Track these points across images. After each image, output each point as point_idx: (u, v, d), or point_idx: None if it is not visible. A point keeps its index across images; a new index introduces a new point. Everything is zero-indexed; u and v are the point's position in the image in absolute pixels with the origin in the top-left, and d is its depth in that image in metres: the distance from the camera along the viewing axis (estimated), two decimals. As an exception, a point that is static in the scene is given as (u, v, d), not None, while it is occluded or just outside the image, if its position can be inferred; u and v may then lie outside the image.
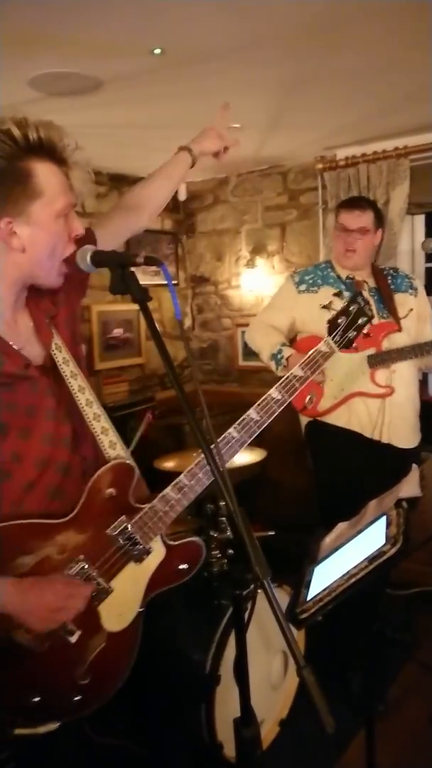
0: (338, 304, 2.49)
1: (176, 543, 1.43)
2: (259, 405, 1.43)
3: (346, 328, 1.50)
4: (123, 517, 1.35)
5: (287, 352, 2.65)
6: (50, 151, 1.26)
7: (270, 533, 2.69)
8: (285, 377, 1.48)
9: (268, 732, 2.39)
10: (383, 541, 1.35)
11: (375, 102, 2.90)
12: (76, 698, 1.33)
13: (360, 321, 1.50)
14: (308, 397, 2.63)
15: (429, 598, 3.43)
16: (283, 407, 1.43)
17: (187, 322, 4.67)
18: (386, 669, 2.80)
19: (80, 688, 1.32)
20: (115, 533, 1.34)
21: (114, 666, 1.39)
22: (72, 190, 1.31)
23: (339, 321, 1.50)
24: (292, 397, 1.45)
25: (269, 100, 2.82)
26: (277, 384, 1.47)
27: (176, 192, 4.72)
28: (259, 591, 1.11)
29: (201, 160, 4.17)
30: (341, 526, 1.82)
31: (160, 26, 2.04)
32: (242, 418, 1.42)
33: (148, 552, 1.38)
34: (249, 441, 1.42)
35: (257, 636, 2.22)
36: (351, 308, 1.51)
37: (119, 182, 4.17)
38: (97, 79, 2.45)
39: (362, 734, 2.23)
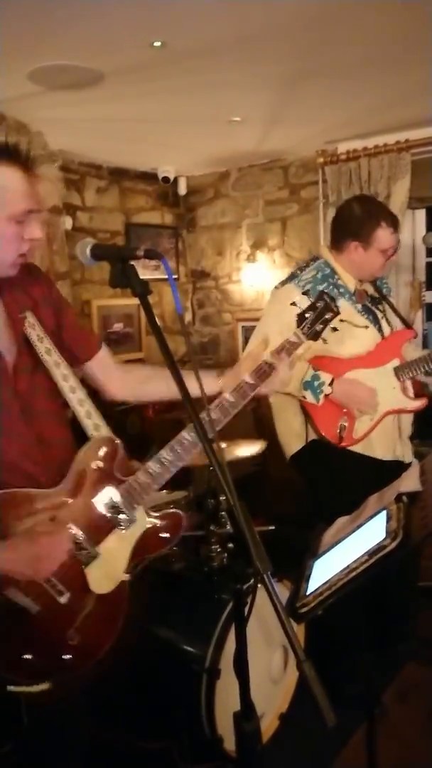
0: (357, 320, 2.40)
1: (158, 513, 1.54)
2: (234, 389, 1.53)
3: (313, 321, 1.60)
4: (109, 488, 1.47)
5: (325, 377, 2.34)
6: (16, 156, 1.28)
7: (270, 527, 2.68)
8: (258, 366, 1.55)
9: (269, 726, 2.39)
10: (383, 536, 1.35)
11: (376, 96, 2.89)
12: (65, 656, 1.42)
13: (327, 315, 1.61)
14: (339, 425, 2.39)
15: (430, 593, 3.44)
16: (254, 390, 1.53)
17: (188, 317, 4.66)
18: (385, 671, 2.79)
19: (70, 648, 1.42)
20: (102, 502, 1.46)
21: (101, 628, 1.47)
22: (36, 195, 1.32)
23: (306, 315, 1.60)
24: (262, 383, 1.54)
25: (270, 94, 2.81)
26: (251, 372, 1.54)
27: (176, 185, 4.72)
28: (259, 585, 1.12)
29: (200, 154, 4.19)
30: (341, 521, 1.82)
31: (161, 19, 2.03)
32: (217, 400, 1.53)
33: (132, 521, 1.48)
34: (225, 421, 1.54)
35: (257, 630, 2.22)
36: (318, 304, 1.61)
37: (119, 176, 4.16)
38: (98, 71, 2.44)
39: (363, 728, 2.24)
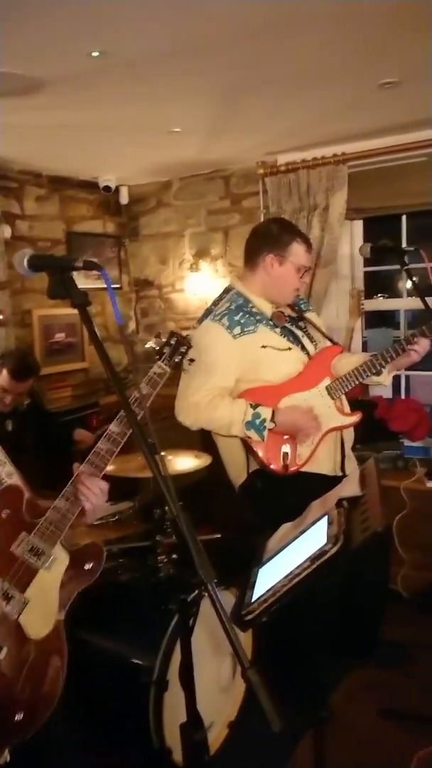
0: (279, 343, 2.40)
1: (76, 548, 1.59)
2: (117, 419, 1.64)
3: (171, 354, 1.74)
4: (23, 533, 1.53)
5: (265, 412, 2.31)
6: None
7: (216, 536, 2.69)
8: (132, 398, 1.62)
9: (218, 734, 2.39)
10: (325, 541, 1.37)
11: (314, 109, 2.96)
12: (18, 717, 1.39)
13: (181, 348, 1.75)
14: (282, 453, 2.37)
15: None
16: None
17: (132, 326, 4.64)
18: (331, 676, 2.82)
19: (21, 704, 1.39)
20: (19, 548, 1.52)
21: (47, 674, 1.47)
22: None
23: (164, 351, 1.75)
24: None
25: (209, 106, 2.84)
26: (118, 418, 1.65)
27: (119, 194, 4.70)
28: (205, 594, 1.12)
29: (142, 163, 4.18)
30: (285, 527, 1.85)
31: (99, 29, 2.03)
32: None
33: (54, 559, 1.53)
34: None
35: (206, 639, 2.22)
36: (171, 340, 1.76)
37: (60, 185, 4.12)
38: (38, 79, 2.41)
39: (313, 732, 2.27)
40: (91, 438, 3.21)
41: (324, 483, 2.33)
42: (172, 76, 2.46)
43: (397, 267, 2.55)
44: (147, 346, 1.80)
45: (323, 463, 2.45)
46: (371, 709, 2.63)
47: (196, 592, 1.20)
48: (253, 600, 1.43)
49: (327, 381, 2.45)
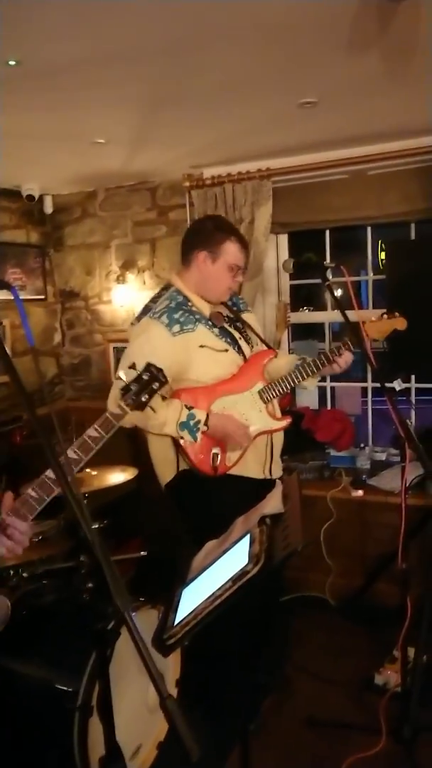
0: (216, 344, 2.40)
1: None
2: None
3: (138, 392, 1.62)
4: None
5: (200, 414, 2.32)
6: None
7: (142, 554, 2.65)
8: (81, 438, 1.58)
9: (147, 755, 2.34)
10: (246, 561, 1.37)
11: (237, 123, 2.98)
12: None
13: (153, 386, 1.64)
14: (212, 455, 2.37)
15: (305, 603, 3.57)
16: (81, 465, 1.59)
17: (57, 338, 4.54)
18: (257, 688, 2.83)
19: None
20: None
21: None
22: None
23: (131, 387, 1.62)
24: (89, 457, 1.58)
25: (132, 117, 2.81)
26: (74, 444, 1.58)
27: (42, 203, 4.59)
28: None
29: (66, 173, 4.10)
30: (210, 545, 1.84)
31: (15, 37, 1.97)
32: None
33: None
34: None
35: (132, 659, 2.17)
36: (144, 376, 1.64)
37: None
38: None
39: (241, 745, 2.26)
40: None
41: (251, 486, 2.42)
42: (94, 87, 2.42)
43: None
44: (116, 378, 1.65)
45: (251, 467, 2.47)
46: (298, 719, 2.65)
47: (112, 622, 1.16)
48: (175, 623, 1.41)
49: (260, 385, 2.47)
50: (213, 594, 1.37)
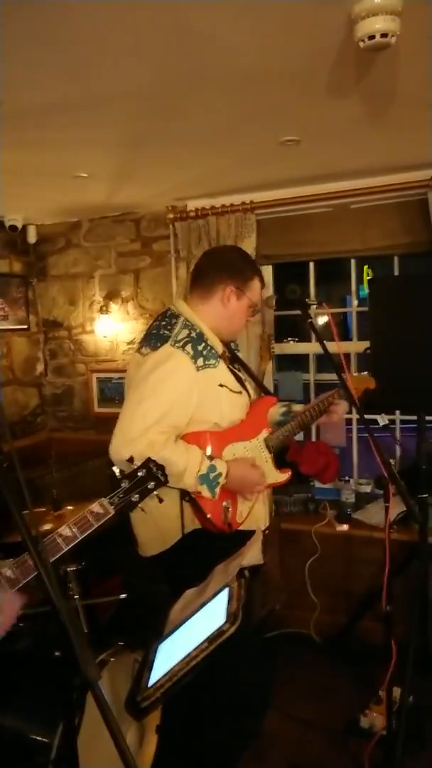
0: (234, 384, 2.24)
1: None
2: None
3: (128, 491, 1.47)
4: None
5: (221, 467, 2.08)
6: None
7: (123, 595, 2.59)
8: (50, 536, 1.45)
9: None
10: (223, 619, 1.33)
11: (219, 161, 2.99)
12: None
13: (148, 485, 1.48)
14: (223, 507, 2.13)
15: (289, 639, 3.50)
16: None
17: (40, 368, 4.49)
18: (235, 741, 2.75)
19: None
20: None
21: None
22: None
23: (122, 483, 1.47)
24: (55, 558, 1.45)
25: (113, 155, 2.81)
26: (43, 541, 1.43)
27: (26, 233, 4.57)
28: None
29: (49, 204, 4.08)
30: (188, 595, 1.79)
31: (-3, 79, 1.96)
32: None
33: None
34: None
35: (110, 705, 2.11)
36: (139, 473, 1.49)
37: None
38: None
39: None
40: None
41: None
42: (76, 126, 2.42)
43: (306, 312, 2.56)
44: (110, 472, 1.49)
45: (260, 518, 2.32)
46: (283, 762, 2.58)
47: (78, 693, 1.12)
48: (150, 684, 1.36)
49: (265, 433, 2.33)
50: (189, 654, 1.32)
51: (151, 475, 1.48)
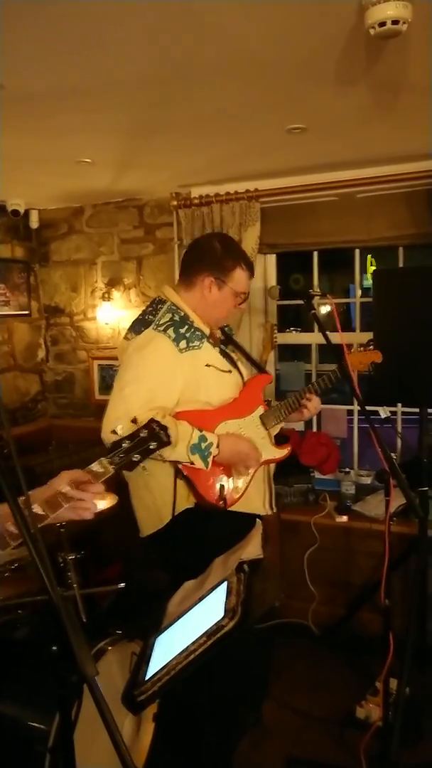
0: (221, 364, 2.29)
1: None
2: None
3: (129, 450, 1.43)
4: None
5: (211, 437, 2.11)
6: None
7: (120, 585, 2.59)
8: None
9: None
10: (222, 614, 1.32)
11: (224, 149, 2.96)
12: None
13: (150, 445, 1.44)
14: (217, 486, 2.18)
15: (287, 630, 3.51)
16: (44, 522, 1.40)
17: (41, 354, 4.48)
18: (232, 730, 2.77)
19: None
20: None
21: None
22: None
23: (123, 444, 1.43)
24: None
25: (120, 140, 2.77)
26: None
27: (28, 218, 4.52)
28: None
29: (52, 189, 4.05)
30: (188, 586, 1.79)
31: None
32: None
33: None
34: None
35: (107, 695, 2.12)
36: (141, 433, 1.45)
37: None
38: None
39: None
40: None
41: (251, 523, 2.29)
42: (80, 113, 2.38)
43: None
44: (112, 431, 1.46)
45: (254, 501, 2.34)
46: (278, 758, 2.59)
47: (76, 690, 1.11)
48: (147, 678, 1.36)
49: (261, 410, 2.37)
50: (186, 648, 1.32)
51: (154, 435, 1.44)
